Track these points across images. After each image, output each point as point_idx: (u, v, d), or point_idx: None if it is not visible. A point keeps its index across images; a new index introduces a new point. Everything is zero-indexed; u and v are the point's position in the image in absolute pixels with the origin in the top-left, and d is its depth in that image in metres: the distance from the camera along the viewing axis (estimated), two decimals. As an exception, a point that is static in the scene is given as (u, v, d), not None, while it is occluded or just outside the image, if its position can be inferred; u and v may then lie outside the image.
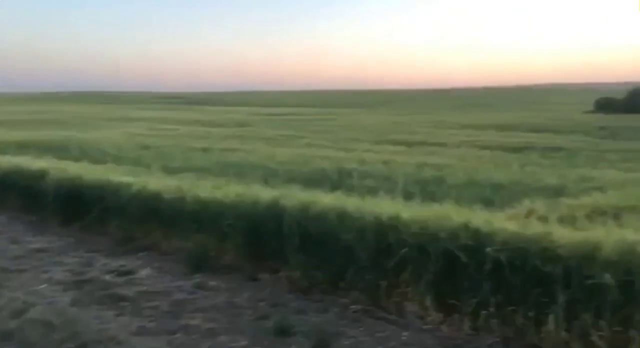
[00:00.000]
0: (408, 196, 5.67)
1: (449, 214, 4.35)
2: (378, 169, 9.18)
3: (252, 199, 5.48)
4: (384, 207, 4.74)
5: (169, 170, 8.62)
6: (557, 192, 6.58)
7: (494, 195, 6.57)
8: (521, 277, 3.63)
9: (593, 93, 46.60)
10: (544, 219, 4.60)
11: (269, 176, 7.83)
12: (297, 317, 4.19)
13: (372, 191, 6.30)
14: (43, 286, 4.95)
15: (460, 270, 3.90)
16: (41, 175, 7.64)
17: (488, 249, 3.77)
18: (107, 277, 5.18)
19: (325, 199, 5.16)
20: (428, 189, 6.99)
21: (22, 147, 12.50)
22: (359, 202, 5.05)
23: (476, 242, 3.90)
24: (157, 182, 6.61)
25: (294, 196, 5.38)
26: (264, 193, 5.60)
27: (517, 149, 13.21)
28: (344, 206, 4.86)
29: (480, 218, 4.24)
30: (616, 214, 5.02)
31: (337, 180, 7.93)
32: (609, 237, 3.63)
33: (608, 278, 3.31)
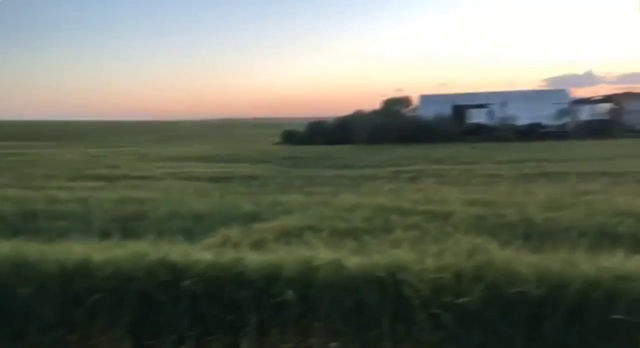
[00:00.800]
0: (106, 235, 5.35)
1: (147, 251, 4.23)
2: (72, 208, 8.39)
3: None
4: (74, 250, 4.33)
5: None
6: (252, 218, 7.15)
7: (194, 226, 6.74)
8: (217, 306, 3.76)
9: (281, 126, 52.53)
10: (238, 245, 4.92)
11: None
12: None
13: (64, 233, 5.78)
14: None
15: (159, 308, 3.81)
16: None
17: (185, 283, 3.79)
18: None
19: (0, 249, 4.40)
20: (128, 225, 6.76)
21: None
22: (43, 248, 4.48)
23: (173, 277, 3.88)
24: None
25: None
26: None
27: (218, 179, 13.93)
28: (23, 255, 4.24)
29: (178, 252, 4.24)
30: (299, 234, 5.74)
31: (19, 224, 6.93)
32: (290, 256, 4.08)
33: (290, 294, 3.71)
